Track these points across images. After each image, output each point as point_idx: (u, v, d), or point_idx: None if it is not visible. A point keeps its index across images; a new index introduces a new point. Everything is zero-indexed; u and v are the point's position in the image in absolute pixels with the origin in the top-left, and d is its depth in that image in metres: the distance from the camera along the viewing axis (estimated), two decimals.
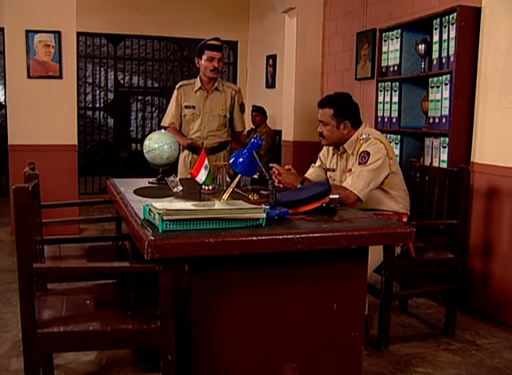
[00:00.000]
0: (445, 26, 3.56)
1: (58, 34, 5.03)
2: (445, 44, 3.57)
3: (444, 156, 3.53)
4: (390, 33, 4.13)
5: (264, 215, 1.98)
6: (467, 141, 3.50)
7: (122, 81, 9.02)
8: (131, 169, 8.02)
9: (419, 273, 3.36)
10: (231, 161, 2.29)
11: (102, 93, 9.12)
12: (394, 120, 4.07)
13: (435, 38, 3.68)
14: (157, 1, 7.68)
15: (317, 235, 1.93)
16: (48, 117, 5.11)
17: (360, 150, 2.87)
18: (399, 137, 4.02)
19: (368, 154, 2.82)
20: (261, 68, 7.75)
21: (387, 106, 4.15)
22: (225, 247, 1.82)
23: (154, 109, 9.49)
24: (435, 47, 3.68)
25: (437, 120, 3.62)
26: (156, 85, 9.62)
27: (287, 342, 2.07)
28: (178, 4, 7.72)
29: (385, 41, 4.20)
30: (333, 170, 3.07)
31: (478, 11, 3.41)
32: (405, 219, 2.94)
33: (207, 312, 1.96)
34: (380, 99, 4.25)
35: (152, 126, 8.91)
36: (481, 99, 3.40)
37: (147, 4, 7.66)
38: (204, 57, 3.93)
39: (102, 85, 9.00)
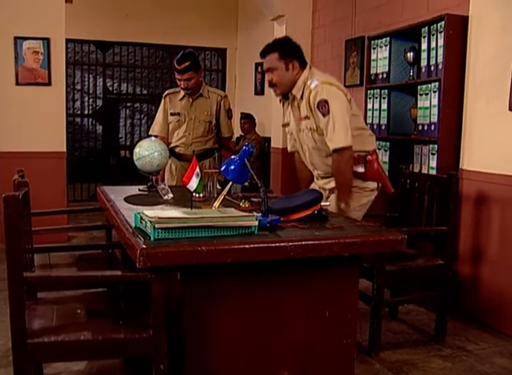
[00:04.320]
0: (433, 35, 3.59)
1: (46, 41, 5.01)
2: (433, 52, 3.60)
3: (433, 163, 3.56)
4: (379, 40, 4.16)
5: (256, 222, 1.97)
6: (455, 147, 3.53)
7: (110, 88, 8.99)
8: (120, 176, 7.97)
9: (410, 280, 3.37)
10: (222, 168, 2.29)
11: (91, 100, 9.08)
12: (383, 127, 4.09)
13: (424, 46, 3.71)
14: (146, 8, 7.67)
15: (309, 243, 1.93)
16: (37, 124, 5.07)
17: (317, 99, 2.75)
18: (388, 144, 4.05)
19: (326, 101, 2.73)
20: (249, 75, 7.75)
21: (376, 113, 4.18)
22: (217, 255, 1.81)
23: (142, 116, 9.46)
24: (424, 55, 3.72)
25: (426, 127, 3.64)
26: (145, 92, 9.59)
27: (280, 349, 2.07)
28: (167, 11, 7.71)
29: (373, 48, 4.23)
30: (288, 124, 3.01)
31: (465, 19, 3.45)
32: (374, 156, 2.94)
33: (199, 320, 1.95)
34: (369, 106, 4.27)
35: (141, 133, 8.88)
36: (469, 106, 3.43)
37: (136, 11, 7.64)
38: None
39: (91, 92, 8.96)
